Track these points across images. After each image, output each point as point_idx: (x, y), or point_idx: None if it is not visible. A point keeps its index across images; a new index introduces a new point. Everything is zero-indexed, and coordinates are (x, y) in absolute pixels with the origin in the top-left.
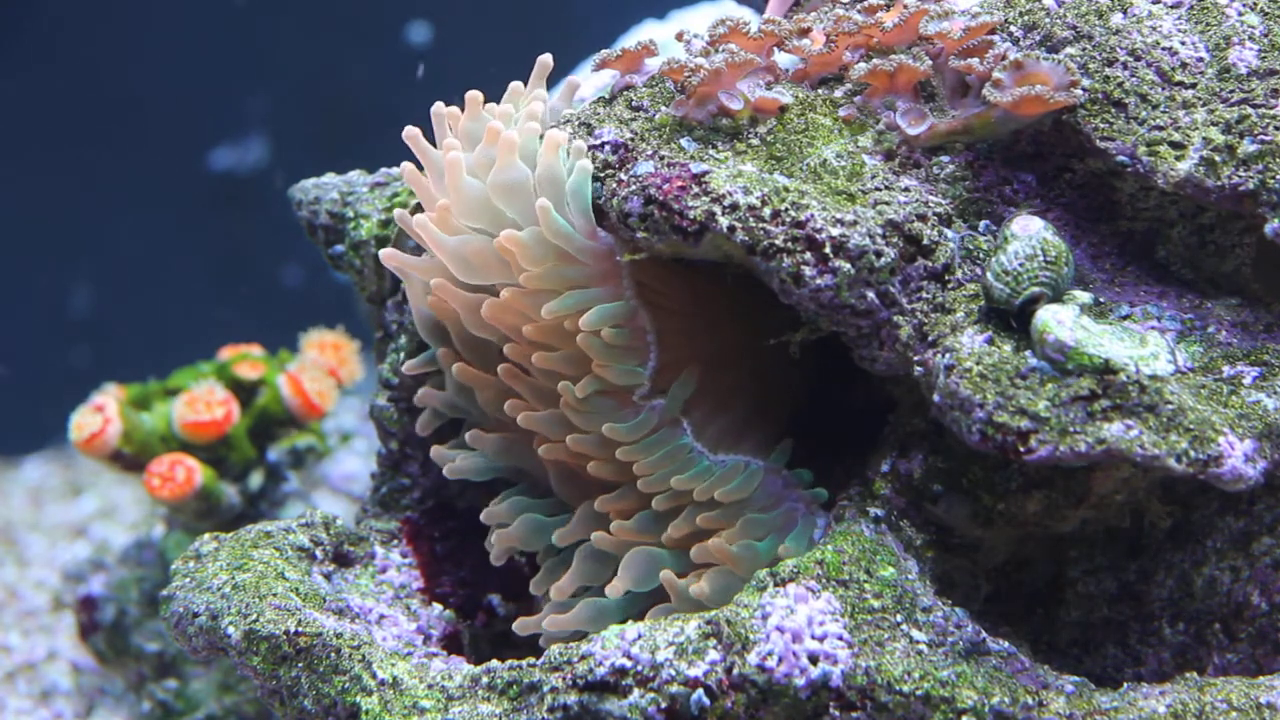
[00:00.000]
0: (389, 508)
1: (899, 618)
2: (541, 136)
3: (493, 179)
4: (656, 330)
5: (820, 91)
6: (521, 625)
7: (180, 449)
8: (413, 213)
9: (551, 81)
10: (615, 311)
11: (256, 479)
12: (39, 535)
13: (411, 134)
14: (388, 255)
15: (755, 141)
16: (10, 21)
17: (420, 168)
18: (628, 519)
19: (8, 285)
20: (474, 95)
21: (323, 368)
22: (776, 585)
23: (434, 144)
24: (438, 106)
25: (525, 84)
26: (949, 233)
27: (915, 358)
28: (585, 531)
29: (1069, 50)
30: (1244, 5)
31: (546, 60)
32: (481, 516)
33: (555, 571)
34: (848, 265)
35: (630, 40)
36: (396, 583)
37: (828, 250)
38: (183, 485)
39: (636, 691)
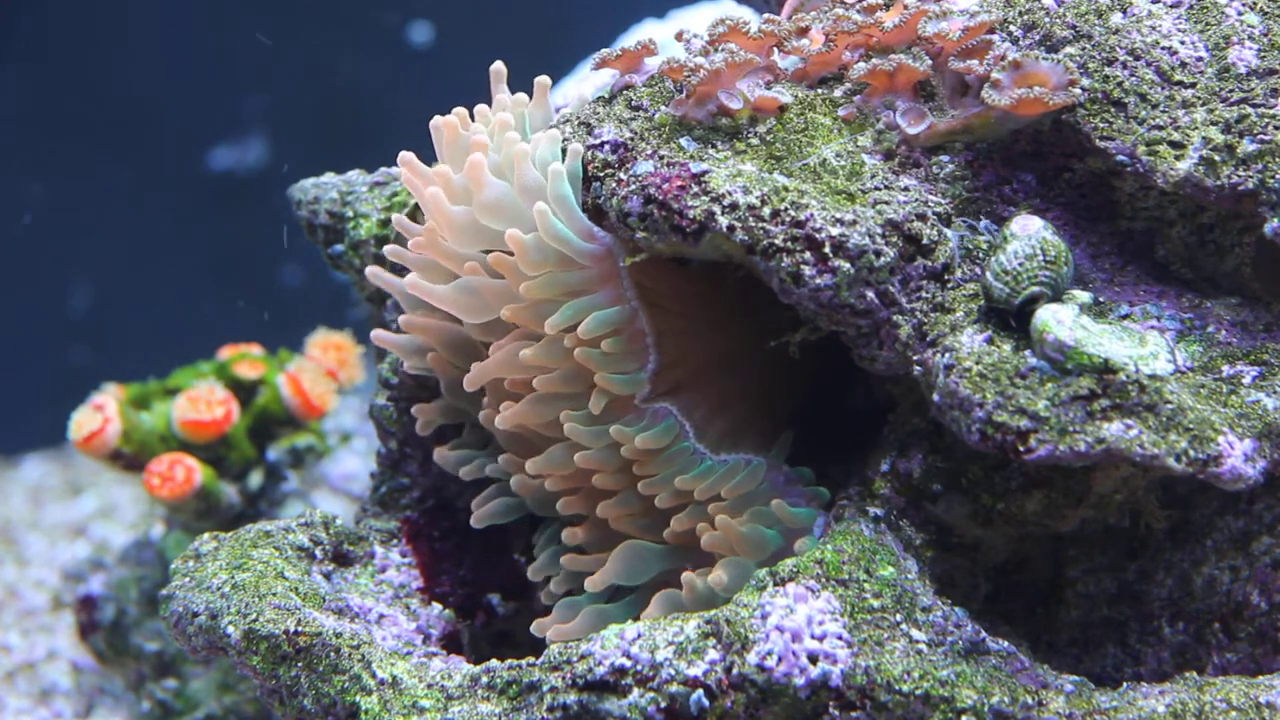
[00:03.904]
0: (388, 507)
1: (898, 617)
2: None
3: (476, 201)
4: (656, 332)
5: (820, 91)
6: (538, 627)
7: (180, 448)
8: (411, 216)
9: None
10: (614, 316)
11: (256, 478)
12: (38, 535)
13: (406, 159)
14: (373, 274)
15: (755, 141)
16: (10, 21)
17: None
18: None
19: (8, 285)
20: (451, 121)
21: (322, 368)
22: (776, 585)
23: (434, 153)
24: (436, 120)
25: (525, 91)
26: (948, 232)
27: (915, 357)
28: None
29: (1068, 50)
30: (1244, 5)
31: (499, 68)
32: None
33: (554, 558)
34: (847, 265)
35: (630, 40)
36: (396, 582)
37: (827, 250)
38: (182, 485)
39: (636, 691)
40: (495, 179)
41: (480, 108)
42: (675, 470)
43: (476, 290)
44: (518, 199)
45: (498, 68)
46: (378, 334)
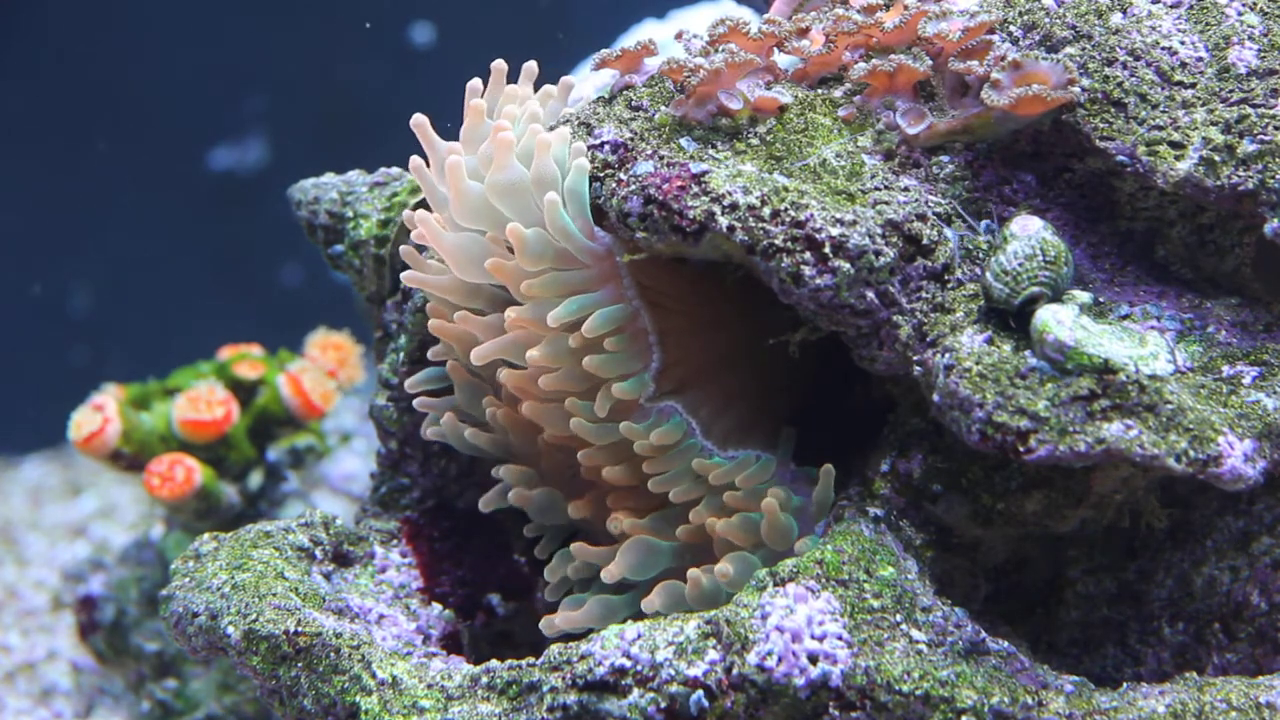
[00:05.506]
0: (388, 507)
1: (898, 617)
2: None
3: (490, 179)
4: (659, 331)
5: (820, 91)
6: (546, 624)
7: (180, 448)
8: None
9: (545, 81)
10: (617, 314)
11: (256, 479)
12: (39, 535)
13: (419, 122)
14: (410, 277)
15: (755, 141)
16: (11, 21)
17: (427, 161)
18: (639, 516)
19: (8, 285)
20: (478, 104)
21: (322, 368)
22: (776, 585)
23: (423, 152)
24: (418, 118)
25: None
26: (948, 232)
27: (915, 357)
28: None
29: (1068, 50)
30: (1244, 5)
31: (532, 67)
32: (494, 472)
33: (566, 558)
34: (847, 265)
35: (630, 40)
36: (396, 582)
37: (827, 250)
38: (182, 485)
39: (636, 691)
40: (518, 163)
41: (508, 93)
42: (684, 467)
43: (480, 248)
44: (530, 187)
45: (530, 67)
46: (412, 278)
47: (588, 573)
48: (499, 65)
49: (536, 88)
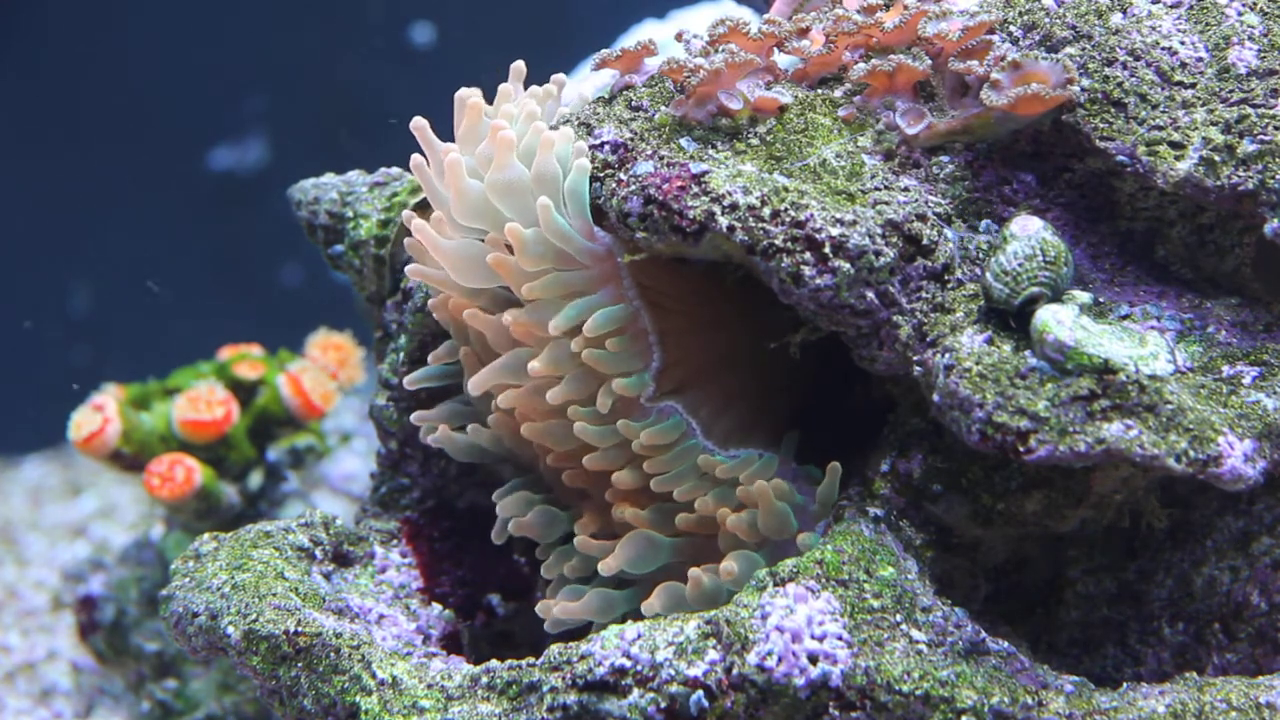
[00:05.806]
0: (388, 507)
1: (899, 617)
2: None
3: (490, 178)
4: (659, 331)
5: (820, 91)
6: (543, 608)
7: (180, 449)
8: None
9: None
10: (617, 315)
11: (256, 479)
12: (38, 535)
13: (419, 125)
14: (413, 270)
15: (755, 141)
16: (10, 21)
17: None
18: (640, 508)
19: (8, 285)
20: (476, 103)
21: (323, 368)
22: (776, 585)
23: (423, 151)
24: (417, 121)
25: (529, 87)
26: (949, 232)
27: (915, 357)
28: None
29: (1068, 50)
30: (1244, 5)
31: (520, 66)
32: (494, 496)
33: (566, 556)
34: (847, 265)
35: (630, 40)
36: (396, 582)
37: (827, 250)
38: (182, 485)
39: (636, 691)
40: (518, 162)
41: (502, 92)
42: (686, 466)
43: (477, 254)
44: (530, 186)
45: (518, 67)
46: (416, 271)
47: (585, 570)
48: (474, 95)
49: (531, 87)
